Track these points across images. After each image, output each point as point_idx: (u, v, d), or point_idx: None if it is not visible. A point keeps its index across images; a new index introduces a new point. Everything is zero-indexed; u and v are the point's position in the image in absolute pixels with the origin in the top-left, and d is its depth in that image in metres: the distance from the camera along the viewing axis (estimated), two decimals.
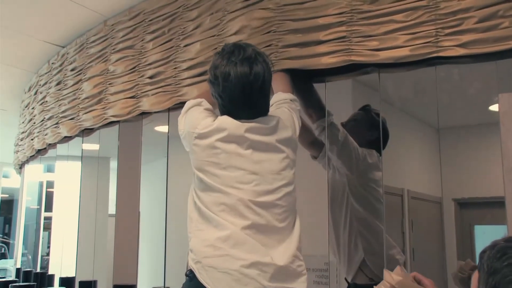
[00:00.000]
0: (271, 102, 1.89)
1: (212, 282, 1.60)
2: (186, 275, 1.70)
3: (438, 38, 1.84)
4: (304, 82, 2.27)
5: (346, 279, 2.45)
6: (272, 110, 1.86)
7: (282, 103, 1.91)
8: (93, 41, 3.55)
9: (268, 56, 1.83)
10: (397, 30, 1.94)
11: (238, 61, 1.69)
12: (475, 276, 1.04)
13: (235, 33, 2.44)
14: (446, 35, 1.82)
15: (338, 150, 2.32)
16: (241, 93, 1.70)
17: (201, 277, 1.63)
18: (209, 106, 1.86)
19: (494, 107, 1.75)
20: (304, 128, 2.24)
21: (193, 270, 1.66)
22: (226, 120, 1.73)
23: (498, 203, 1.66)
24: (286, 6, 2.28)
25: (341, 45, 2.07)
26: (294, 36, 2.23)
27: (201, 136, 1.73)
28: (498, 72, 1.77)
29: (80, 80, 3.63)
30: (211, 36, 2.60)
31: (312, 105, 2.31)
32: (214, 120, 1.75)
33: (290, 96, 1.98)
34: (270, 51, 2.27)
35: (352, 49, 2.04)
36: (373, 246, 2.36)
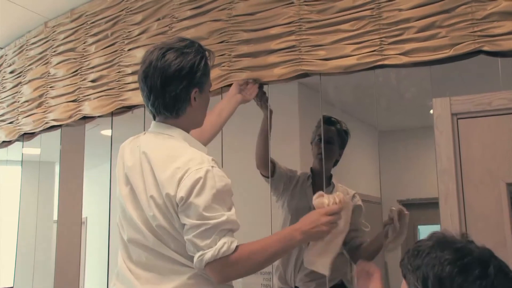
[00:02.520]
0: None
1: None
2: None
3: (382, 47, 1.89)
4: None
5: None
6: None
7: None
8: (33, 43, 3.44)
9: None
10: (344, 39, 1.98)
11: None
12: (403, 286, 1.10)
13: None
14: (390, 44, 1.88)
15: None
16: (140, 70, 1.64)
17: None
18: None
19: None
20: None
21: None
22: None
23: (437, 204, 1.72)
24: (238, 16, 2.30)
25: (291, 55, 2.11)
26: (247, 46, 2.25)
27: None
28: (432, 77, 1.84)
29: (20, 83, 3.51)
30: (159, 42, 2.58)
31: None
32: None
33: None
34: (222, 60, 2.29)
35: (302, 58, 2.07)
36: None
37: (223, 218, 1.44)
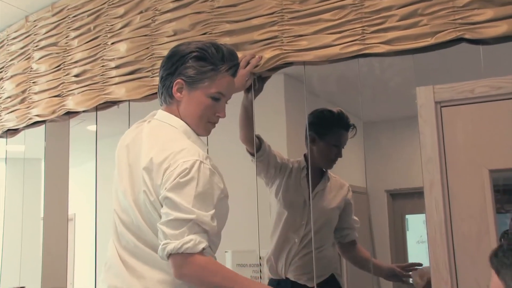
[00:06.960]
0: None
1: None
2: None
3: (364, 36, 1.88)
4: None
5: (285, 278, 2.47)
6: None
7: None
8: (14, 38, 3.40)
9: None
10: (326, 29, 1.97)
11: None
12: (494, 281, 1.02)
13: (172, 35, 2.42)
14: (372, 32, 1.87)
15: None
16: None
17: None
18: None
19: None
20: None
21: None
22: None
23: (423, 193, 1.72)
24: (220, 8, 2.29)
25: (274, 45, 2.09)
26: (229, 38, 2.24)
27: None
28: (415, 66, 1.84)
29: (1, 78, 3.47)
30: (142, 35, 2.56)
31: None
32: None
33: None
34: None
35: (284, 49, 2.06)
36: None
37: (193, 215, 1.39)
